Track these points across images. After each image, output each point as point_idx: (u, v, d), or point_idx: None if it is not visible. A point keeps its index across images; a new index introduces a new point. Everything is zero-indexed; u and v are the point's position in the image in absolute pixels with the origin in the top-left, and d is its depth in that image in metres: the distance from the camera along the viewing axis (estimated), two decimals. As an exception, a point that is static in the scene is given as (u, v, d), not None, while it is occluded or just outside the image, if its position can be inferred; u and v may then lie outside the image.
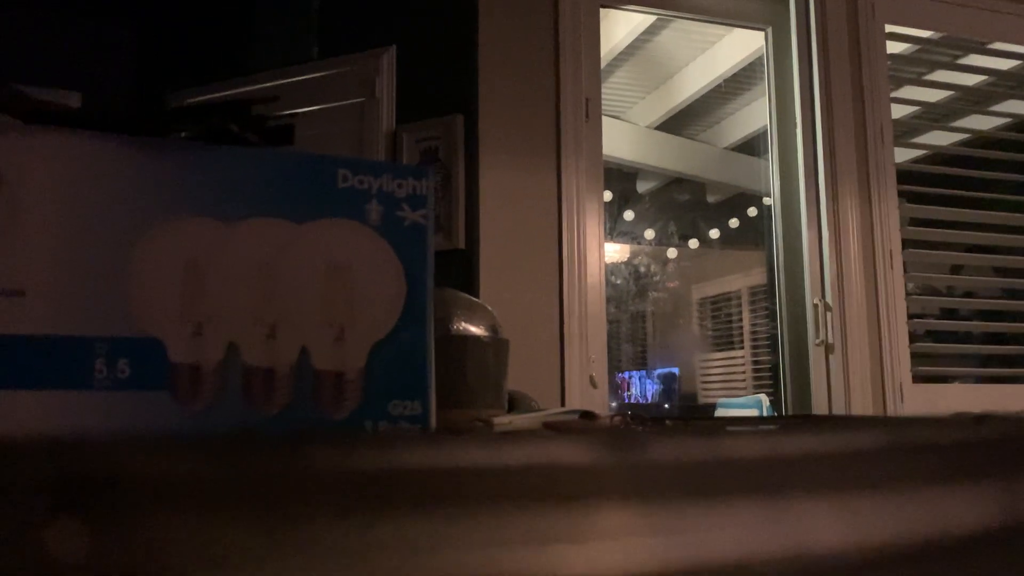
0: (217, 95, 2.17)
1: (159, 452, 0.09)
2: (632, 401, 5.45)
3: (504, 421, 0.67)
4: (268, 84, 2.13)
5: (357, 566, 0.09)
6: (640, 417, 0.66)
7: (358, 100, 2.10)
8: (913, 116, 2.47)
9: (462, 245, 1.94)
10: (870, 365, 2.17)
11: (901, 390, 2.16)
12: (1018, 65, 2.53)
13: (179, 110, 0.51)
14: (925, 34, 2.43)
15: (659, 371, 5.54)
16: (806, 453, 0.12)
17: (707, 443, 0.12)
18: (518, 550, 0.10)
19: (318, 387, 0.41)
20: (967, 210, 2.33)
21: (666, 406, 5.36)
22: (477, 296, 1.89)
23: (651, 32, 3.37)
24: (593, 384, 1.99)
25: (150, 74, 2.38)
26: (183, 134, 0.47)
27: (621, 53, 3.52)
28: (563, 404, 1.93)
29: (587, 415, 0.62)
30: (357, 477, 0.10)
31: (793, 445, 0.13)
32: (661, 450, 0.11)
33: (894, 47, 2.37)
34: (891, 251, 2.22)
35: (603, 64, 2.19)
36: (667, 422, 0.63)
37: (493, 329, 0.77)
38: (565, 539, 0.10)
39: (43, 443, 0.09)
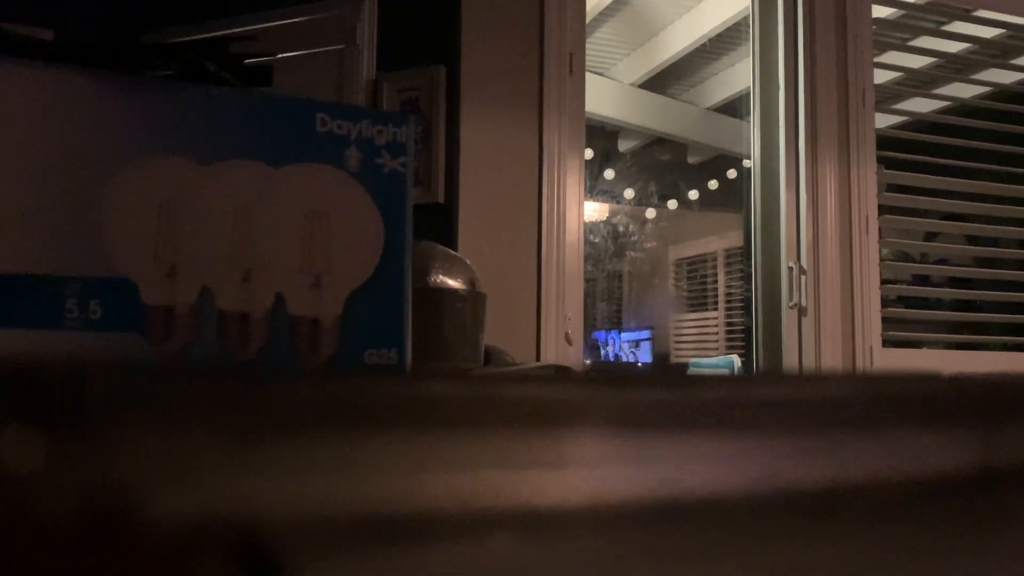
0: (194, 36, 2.12)
1: (121, 366, 0.09)
2: (606, 359, 5.50)
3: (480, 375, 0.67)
4: (248, 28, 2.09)
5: (318, 485, 0.09)
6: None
7: (338, 47, 2.06)
8: (895, 82, 2.47)
9: (441, 199, 1.92)
10: (842, 329, 2.20)
11: (871, 354, 2.20)
12: (1001, 34, 2.53)
13: (155, 47, 0.50)
14: (911, -1, 2.42)
15: (633, 330, 5.58)
16: (782, 398, 0.12)
17: (682, 385, 0.12)
18: (494, 473, 0.10)
19: (294, 333, 0.41)
20: (944, 178, 2.35)
21: (639, 364, 5.41)
22: (456, 250, 1.89)
23: (637, -12, 3.33)
24: (568, 341, 2.00)
25: (126, 13, 2.32)
26: (158, 72, 0.46)
27: (606, 8, 3.48)
28: (538, 359, 1.94)
29: (562, 370, 0.62)
30: (326, 401, 0.10)
31: (768, 391, 0.13)
32: (637, 388, 0.11)
33: (879, 11, 2.36)
34: (868, 216, 2.24)
35: (588, 19, 2.16)
36: (641, 378, 0.63)
37: (471, 283, 0.76)
38: (541, 464, 0.10)
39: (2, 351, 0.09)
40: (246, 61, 0.43)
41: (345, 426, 0.09)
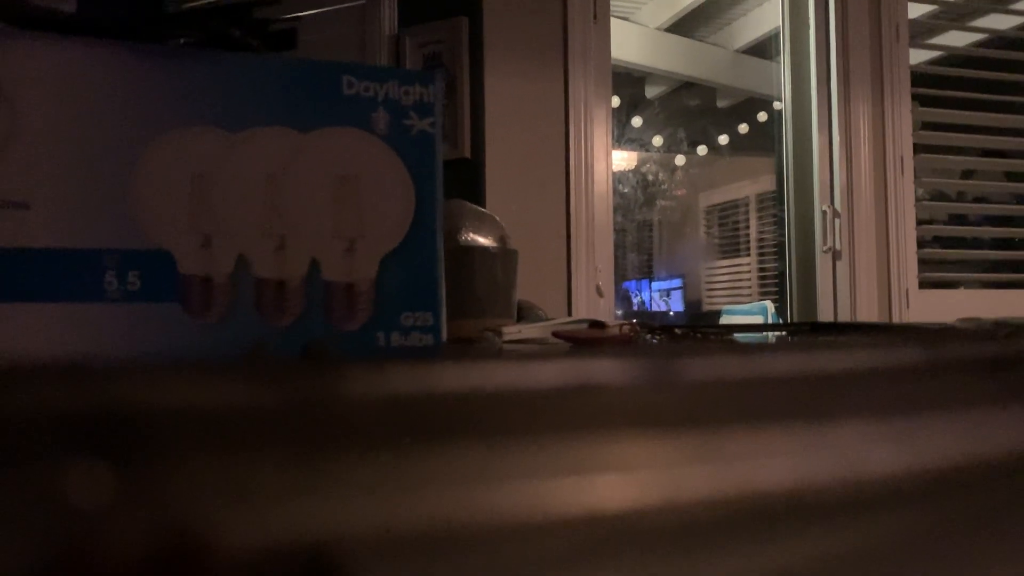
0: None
1: (183, 382, 0.09)
2: (638, 309, 5.49)
3: (513, 331, 0.67)
4: (265, -13, 2.07)
5: (387, 502, 0.09)
6: (648, 325, 0.66)
7: (358, 3, 2.04)
8: (930, 16, 2.39)
9: (468, 154, 1.91)
10: (877, 272, 2.17)
11: (907, 296, 2.17)
12: (1043, -40, 2.43)
13: (179, 15, 0.49)
14: (947, -72, 2.33)
15: (665, 280, 5.56)
16: (847, 371, 0.12)
17: (745, 361, 0.11)
18: (560, 480, 0.10)
19: (329, 299, 0.41)
20: (981, 113, 2.28)
21: (671, 313, 5.40)
22: (484, 206, 1.88)
23: (661, -72, 3.24)
24: (599, 293, 2.00)
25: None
26: (183, 40, 0.46)
27: (630, -49, 3.39)
28: (569, 313, 1.95)
29: (596, 324, 0.62)
30: (386, 406, 0.09)
31: (832, 362, 0.12)
32: (699, 370, 0.11)
33: (914, -58, 2.28)
34: (902, 156, 2.19)
35: (611, -37, 2.11)
36: (675, 330, 0.63)
37: (501, 240, 0.76)
38: (611, 467, 0.10)
39: (63, 371, 0.09)
40: (270, 26, 0.43)
41: (410, 440, 0.09)
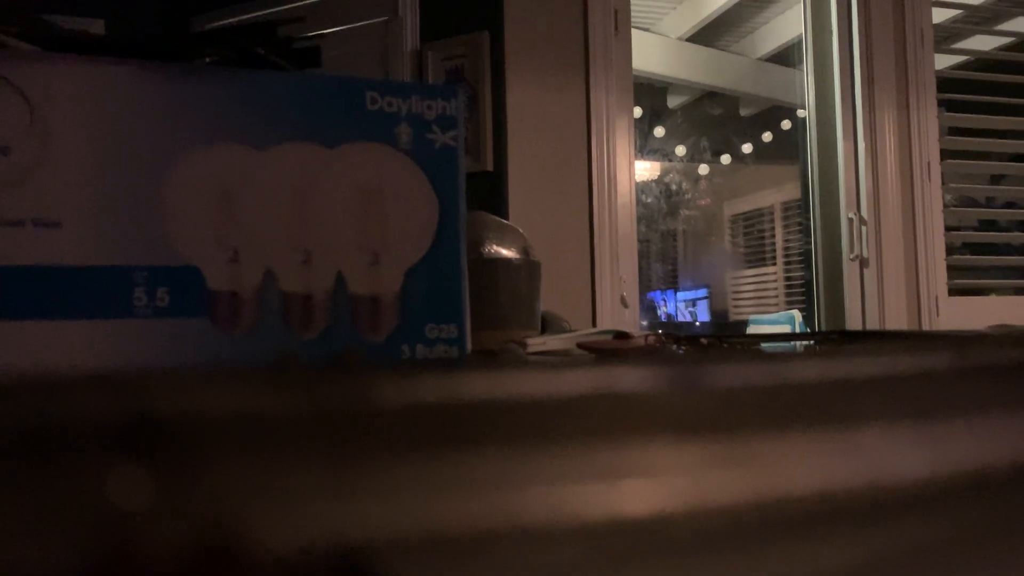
0: (241, 17, 2.14)
1: (220, 388, 0.09)
2: (664, 319, 5.46)
3: (538, 342, 0.67)
4: (291, 5, 2.10)
5: (416, 506, 0.09)
6: (674, 336, 0.66)
7: (381, 19, 2.06)
8: (955, 20, 2.37)
9: (490, 167, 1.92)
10: (905, 279, 2.14)
11: (937, 303, 2.14)
12: (1069, -38, 2.40)
13: (204, 34, 0.50)
14: (971, -69, 2.32)
15: (690, 290, 5.53)
16: (873, 376, 0.12)
17: (770, 368, 0.11)
18: (586, 485, 0.10)
19: (355, 312, 0.41)
20: (1009, 118, 2.25)
21: (696, 324, 5.37)
22: (507, 218, 1.89)
23: (681, -62, 3.25)
24: (624, 304, 2.00)
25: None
26: (209, 59, 0.46)
27: (650, -38, 3.40)
28: (594, 324, 1.94)
29: (621, 335, 0.62)
30: (420, 411, 0.10)
31: (857, 368, 0.12)
32: (724, 377, 0.11)
33: (937, -54, 2.26)
34: (929, 162, 2.17)
35: (631, -26, 2.11)
36: (702, 340, 0.62)
37: (525, 251, 0.76)
38: (637, 472, 0.10)
39: (102, 380, 0.09)
40: (295, 44, 0.44)
41: (441, 444, 0.09)
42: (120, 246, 0.38)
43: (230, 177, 0.40)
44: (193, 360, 0.38)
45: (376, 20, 2.06)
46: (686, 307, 5.51)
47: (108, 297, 0.37)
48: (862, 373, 0.12)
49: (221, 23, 2.16)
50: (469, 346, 0.45)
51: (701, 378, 0.11)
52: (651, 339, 0.59)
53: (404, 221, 0.43)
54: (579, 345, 0.61)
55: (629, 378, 0.11)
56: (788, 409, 0.10)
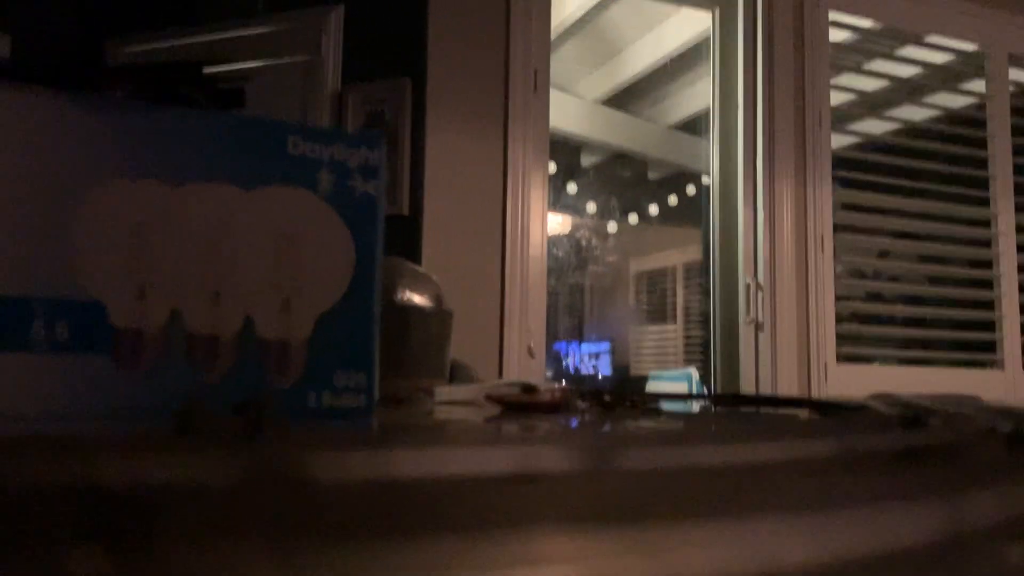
0: (157, 44, 2.10)
1: (175, 463, 0.10)
2: (568, 371, 5.51)
3: (446, 391, 0.68)
4: (210, 37, 2.07)
5: None
6: (579, 391, 0.67)
7: (303, 58, 2.05)
8: (850, 104, 2.53)
9: (406, 211, 1.93)
10: (797, 344, 2.24)
11: (826, 369, 2.24)
12: (950, 59, 2.60)
13: (121, 68, 0.50)
14: (866, 24, 2.49)
15: (595, 343, 5.61)
16: (770, 462, 0.13)
17: (675, 452, 0.12)
18: (505, 571, 0.10)
19: (262, 356, 0.41)
20: (897, 198, 2.41)
21: (599, 377, 5.43)
22: (420, 262, 1.89)
23: (601, 7, 3.37)
24: (531, 354, 2.01)
25: (88, 18, 2.28)
26: (124, 92, 0.46)
27: (571, 26, 3.51)
28: (501, 373, 1.95)
29: (528, 388, 0.63)
30: (360, 493, 0.10)
31: (757, 454, 0.13)
32: (630, 461, 0.12)
33: (836, 35, 2.42)
34: (823, 235, 2.29)
35: (553, 36, 2.18)
36: (605, 397, 0.64)
37: (437, 299, 0.77)
38: (547, 560, 0.10)
39: (59, 453, 0.09)
40: (219, 84, 0.44)
41: (386, 532, 0.10)
42: (22, 276, 0.37)
43: (142, 213, 0.39)
44: (91, 399, 0.37)
45: (298, 59, 2.05)
46: (590, 359, 5.58)
47: (5, 329, 0.36)
48: (761, 459, 0.13)
49: (138, 48, 2.11)
50: (377, 394, 0.45)
51: (611, 461, 0.12)
52: (557, 394, 0.60)
53: (319, 267, 0.43)
54: (487, 397, 0.61)
55: (543, 460, 0.11)
56: (691, 496, 0.11)
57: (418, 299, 0.74)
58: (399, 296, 0.73)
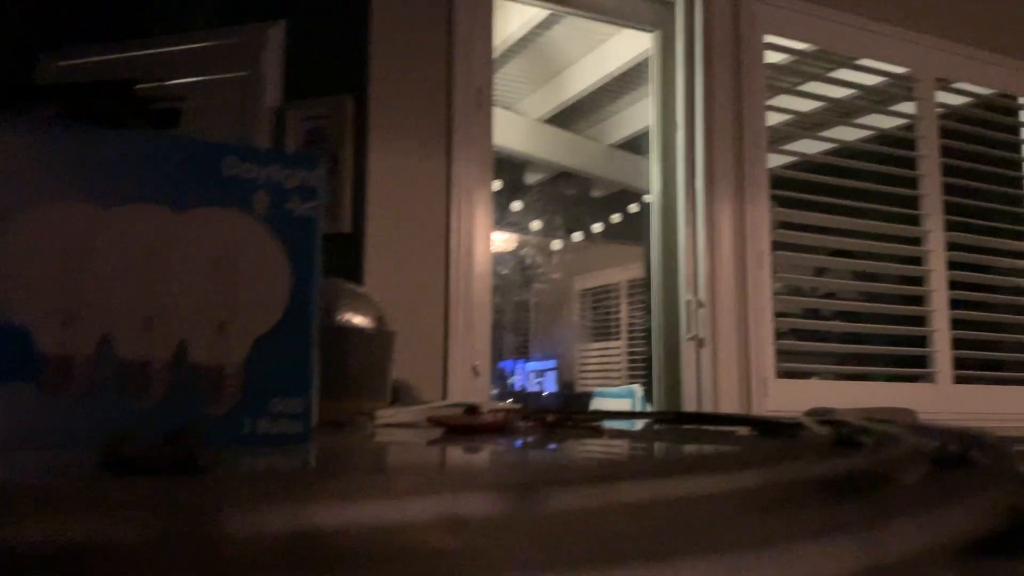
0: (91, 59, 2.05)
1: (87, 519, 0.09)
2: (513, 389, 5.51)
3: (388, 414, 0.67)
4: (147, 51, 2.03)
5: None
6: (522, 411, 0.67)
7: (242, 73, 2.03)
8: (786, 124, 2.60)
9: (348, 229, 1.91)
10: (737, 360, 2.27)
11: (765, 385, 2.28)
12: (883, 81, 2.69)
13: (50, 87, 0.48)
14: (801, 46, 2.56)
15: (540, 360, 5.62)
16: (698, 496, 0.13)
17: (601, 491, 0.12)
18: None
19: (196, 382, 0.40)
20: (832, 216, 2.47)
21: (544, 394, 5.45)
22: (362, 282, 1.87)
23: (544, 26, 3.41)
24: (476, 373, 2.01)
25: (19, 31, 2.22)
26: (53, 113, 0.45)
27: (514, 45, 3.54)
28: (445, 392, 1.94)
29: (470, 409, 0.63)
30: (279, 547, 0.10)
31: (682, 489, 0.13)
32: (558, 501, 0.12)
33: (772, 57, 2.48)
34: (761, 252, 2.34)
35: (496, 54, 2.19)
36: (548, 417, 0.64)
37: (379, 320, 0.76)
38: None
39: None
40: (154, 105, 0.43)
41: None
42: (-61, 303, 0.35)
43: (71, 237, 0.38)
44: (16, 427, 0.36)
45: (237, 74, 2.02)
46: (535, 377, 5.60)
47: (-80, 357, 0.35)
48: (687, 493, 0.13)
49: (74, 63, 2.06)
50: (316, 420, 0.45)
51: (542, 503, 0.12)
52: (500, 415, 0.60)
53: (255, 291, 0.42)
54: (429, 420, 0.61)
55: (472, 506, 0.11)
56: (617, 536, 0.11)
57: (358, 320, 0.74)
58: (339, 318, 0.72)
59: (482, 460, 0.38)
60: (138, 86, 0.43)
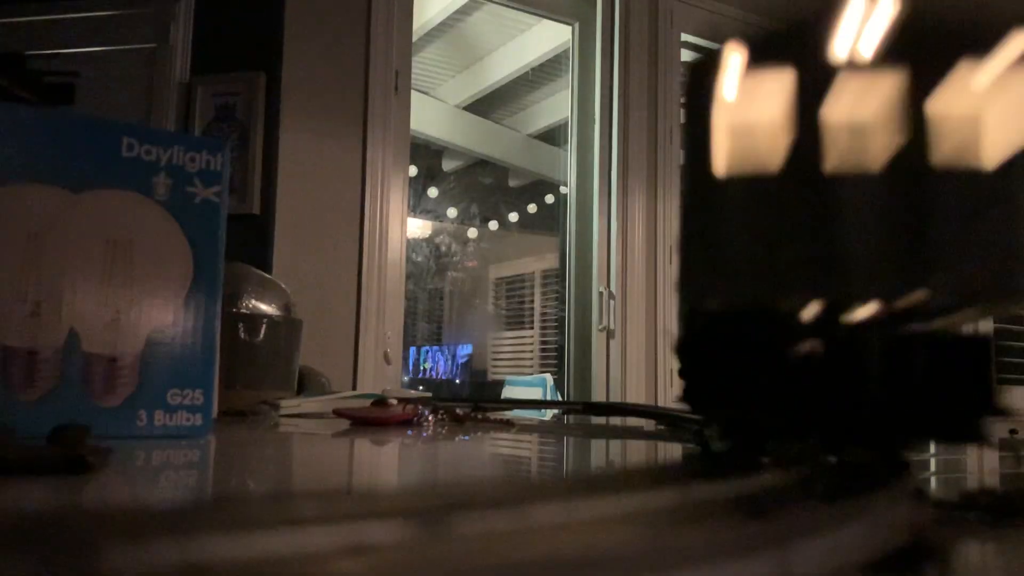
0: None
1: None
2: (425, 376, 5.49)
3: (292, 404, 0.66)
4: (46, 16, 1.92)
5: None
6: (431, 404, 0.67)
7: (149, 45, 1.94)
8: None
9: (257, 211, 1.86)
10: (646, 352, 2.32)
11: (671, 377, 2.34)
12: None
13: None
14: (714, 46, 2.62)
15: (453, 347, 5.62)
16: (609, 518, 0.13)
17: (511, 514, 0.12)
18: None
19: (88, 372, 0.38)
20: (739, 213, 2.55)
21: (457, 382, 5.45)
22: (271, 265, 1.82)
23: (464, 12, 3.39)
24: (387, 360, 1.99)
25: None
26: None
27: (434, 29, 3.51)
28: (355, 378, 1.91)
29: (379, 401, 0.62)
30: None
31: (594, 511, 0.13)
32: (467, 526, 0.12)
33: (688, 55, 2.54)
34: (671, 246, 2.39)
35: (415, 38, 2.17)
36: (458, 411, 0.64)
37: (286, 308, 0.75)
38: None
39: None
40: (46, 78, 0.40)
41: None
42: None
43: (-50, 216, 0.36)
44: None
45: (143, 46, 1.94)
46: (447, 364, 5.59)
47: None
48: (599, 515, 0.13)
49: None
50: (216, 412, 0.43)
51: (450, 527, 0.11)
52: (408, 408, 0.59)
53: (153, 277, 0.41)
54: (335, 412, 0.60)
55: (377, 533, 0.11)
56: (528, 562, 0.11)
57: (264, 307, 0.72)
58: (244, 304, 0.70)
59: (388, 481, 0.37)
60: (28, 56, 0.41)
